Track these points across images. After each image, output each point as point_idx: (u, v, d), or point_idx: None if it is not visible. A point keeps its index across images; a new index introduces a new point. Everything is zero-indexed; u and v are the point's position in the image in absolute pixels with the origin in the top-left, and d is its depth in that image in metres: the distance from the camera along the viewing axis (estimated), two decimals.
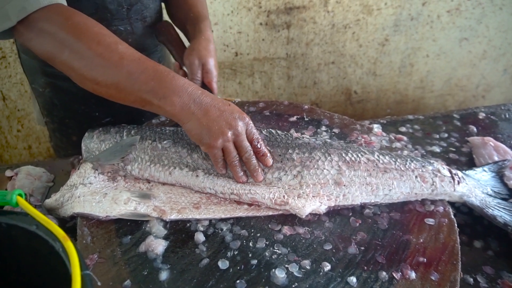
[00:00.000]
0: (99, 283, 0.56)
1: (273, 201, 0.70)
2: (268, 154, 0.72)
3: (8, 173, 0.85)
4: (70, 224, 0.73)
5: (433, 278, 0.60)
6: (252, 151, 0.71)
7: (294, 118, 0.94)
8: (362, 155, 0.74)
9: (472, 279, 0.65)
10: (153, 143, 0.77)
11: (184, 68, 0.92)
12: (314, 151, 0.74)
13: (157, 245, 0.64)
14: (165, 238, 0.66)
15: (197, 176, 0.73)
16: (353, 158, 0.73)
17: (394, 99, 2.17)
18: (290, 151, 0.74)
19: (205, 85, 0.87)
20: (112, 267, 0.61)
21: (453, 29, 1.98)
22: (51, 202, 0.73)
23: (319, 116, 0.96)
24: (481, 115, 1.06)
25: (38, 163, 0.89)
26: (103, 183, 0.74)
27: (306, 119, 0.95)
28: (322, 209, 0.69)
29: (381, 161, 0.74)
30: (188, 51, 0.89)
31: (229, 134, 0.68)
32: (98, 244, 0.65)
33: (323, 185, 0.71)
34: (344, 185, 0.71)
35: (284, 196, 0.70)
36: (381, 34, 1.93)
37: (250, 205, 0.72)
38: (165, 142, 0.77)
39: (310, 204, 0.69)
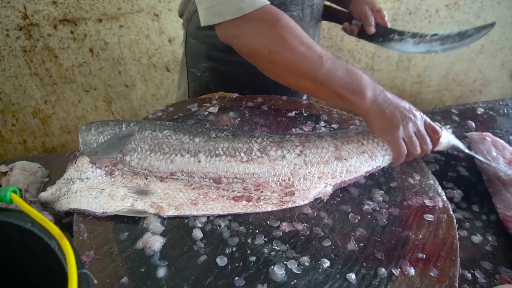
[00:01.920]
0: (95, 281, 0.56)
1: (278, 183, 0.70)
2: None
3: (3, 168, 0.84)
4: (66, 220, 0.72)
5: (432, 274, 0.60)
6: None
7: (292, 113, 0.94)
8: (350, 132, 0.80)
9: (470, 275, 0.65)
10: (154, 133, 0.77)
11: (354, 22, 1.05)
12: (309, 136, 0.79)
13: (155, 242, 0.64)
14: (163, 234, 0.66)
15: (199, 161, 0.73)
16: (344, 135, 0.78)
17: None
18: (288, 136, 0.78)
19: (378, 25, 1.01)
20: (109, 264, 0.61)
21: (451, 24, 1.97)
22: (47, 196, 0.72)
23: (318, 111, 0.95)
24: (480, 111, 1.06)
25: (33, 158, 0.88)
26: (100, 179, 0.73)
27: (304, 114, 0.94)
28: (329, 190, 0.71)
29: (368, 130, 0.79)
30: (353, 3, 1.04)
31: (410, 126, 0.73)
32: (94, 240, 0.65)
33: (325, 163, 0.73)
34: (345, 159, 0.74)
35: (289, 178, 0.72)
36: None
37: (248, 201, 0.71)
38: (166, 131, 0.77)
39: (315, 186, 0.71)
